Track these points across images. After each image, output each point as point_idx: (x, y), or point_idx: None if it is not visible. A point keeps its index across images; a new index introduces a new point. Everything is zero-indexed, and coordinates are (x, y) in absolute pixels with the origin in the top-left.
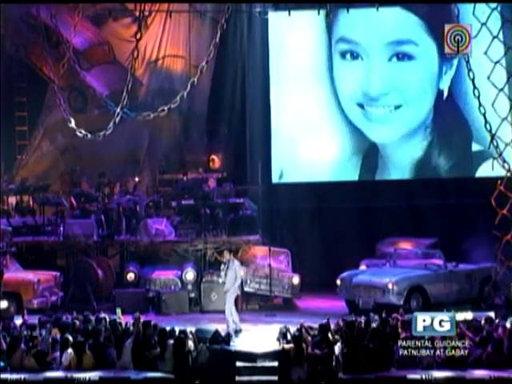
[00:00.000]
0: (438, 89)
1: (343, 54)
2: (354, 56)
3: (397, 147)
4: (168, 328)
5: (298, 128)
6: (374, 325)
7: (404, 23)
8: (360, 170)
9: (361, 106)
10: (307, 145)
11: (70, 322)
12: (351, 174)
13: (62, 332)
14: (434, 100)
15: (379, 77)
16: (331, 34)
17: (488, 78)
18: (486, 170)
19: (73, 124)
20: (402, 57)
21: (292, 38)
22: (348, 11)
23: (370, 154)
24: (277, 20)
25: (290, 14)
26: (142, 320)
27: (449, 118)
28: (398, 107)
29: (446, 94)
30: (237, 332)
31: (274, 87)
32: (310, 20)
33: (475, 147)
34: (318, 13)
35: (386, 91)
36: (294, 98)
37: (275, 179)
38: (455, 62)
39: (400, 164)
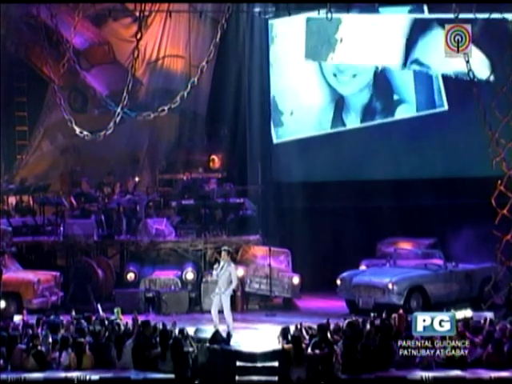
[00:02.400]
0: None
1: None
2: None
3: (355, 97)
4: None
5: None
6: (369, 326)
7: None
8: (333, 112)
9: (335, 75)
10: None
11: (59, 322)
12: (328, 114)
13: (52, 332)
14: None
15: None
16: None
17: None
18: (402, 111)
19: (73, 124)
20: None
21: (291, 38)
22: (348, 11)
23: (339, 102)
24: (277, 20)
25: (290, 14)
26: (139, 320)
27: (382, 80)
28: (354, 75)
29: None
30: (229, 336)
31: (274, 86)
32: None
33: (395, 97)
34: (319, 13)
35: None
36: (294, 97)
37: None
38: None
39: (356, 107)
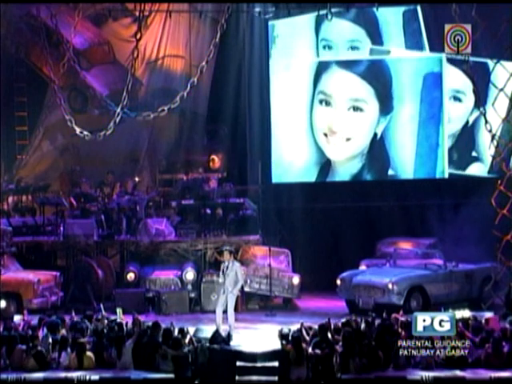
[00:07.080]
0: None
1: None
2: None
3: None
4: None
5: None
6: (364, 326)
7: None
8: None
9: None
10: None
11: (60, 322)
12: None
13: (51, 332)
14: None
15: None
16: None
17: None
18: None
19: (73, 124)
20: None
21: (291, 38)
22: (348, 11)
23: None
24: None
25: (289, 14)
26: (142, 320)
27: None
28: None
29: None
30: (229, 336)
31: (274, 87)
32: (307, 21)
33: (390, 172)
34: (318, 13)
35: None
36: (294, 97)
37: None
38: (388, 117)
39: None
